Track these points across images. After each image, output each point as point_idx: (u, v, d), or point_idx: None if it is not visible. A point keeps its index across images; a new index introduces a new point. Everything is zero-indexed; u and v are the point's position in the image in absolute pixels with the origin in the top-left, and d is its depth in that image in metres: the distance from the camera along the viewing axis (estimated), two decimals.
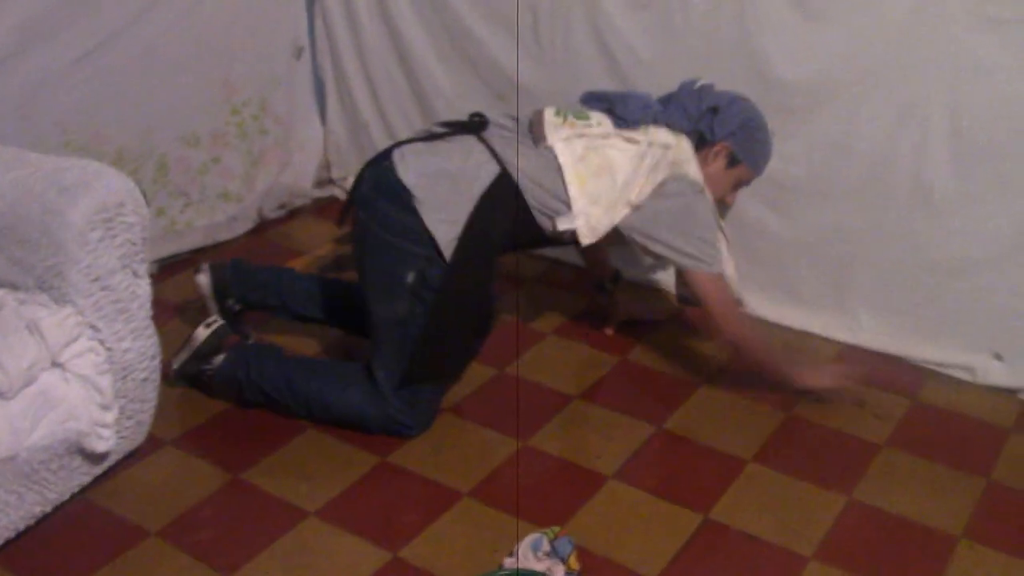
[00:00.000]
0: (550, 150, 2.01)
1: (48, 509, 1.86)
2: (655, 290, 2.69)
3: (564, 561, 1.71)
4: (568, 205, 2.01)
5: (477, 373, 2.27)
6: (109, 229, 1.83)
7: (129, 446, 2.01)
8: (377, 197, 2.02)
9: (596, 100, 2.13)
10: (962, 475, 2.03)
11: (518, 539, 1.77)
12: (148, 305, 1.96)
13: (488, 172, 1.99)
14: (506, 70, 2.70)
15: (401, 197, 1.98)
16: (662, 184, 2.03)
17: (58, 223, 1.78)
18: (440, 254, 1.96)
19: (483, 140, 2.03)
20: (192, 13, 2.68)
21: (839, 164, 2.34)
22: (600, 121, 2.07)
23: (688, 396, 2.25)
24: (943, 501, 1.95)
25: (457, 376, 2.19)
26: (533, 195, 2.02)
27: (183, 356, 2.20)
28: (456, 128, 2.09)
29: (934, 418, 2.22)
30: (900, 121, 2.23)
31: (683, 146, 2.07)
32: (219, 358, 2.17)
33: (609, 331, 2.47)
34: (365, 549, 1.82)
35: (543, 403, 2.24)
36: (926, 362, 2.36)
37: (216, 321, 2.22)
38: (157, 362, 2.00)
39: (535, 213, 2.03)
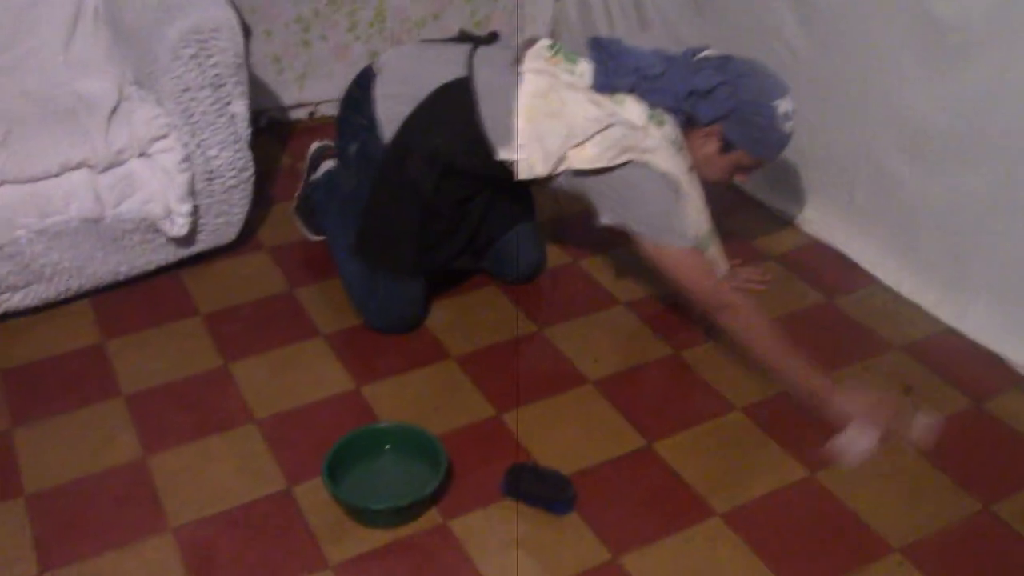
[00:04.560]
0: (520, 76, 1.93)
1: (134, 272, 2.27)
2: None
3: None
4: (513, 135, 1.92)
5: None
6: (203, 49, 2.11)
7: (217, 240, 2.35)
8: (355, 80, 2.11)
9: (597, 49, 1.98)
10: (964, 495, 1.77)
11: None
12: (243, 124, 2.24)
13: (451, 72, 1.96)
14: None
15: (366, 76, 2.05)
16: (623, 166, 1.89)
17: (157, 36, 2.09)
18: (378, 130, 2.00)
19: (471, 51, 2.01)
20: None
21: (987, 119, 2.00)
22: (582, 73, 1.95)
23: None
24: (912, 513, 1.73)
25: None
26: (486, 109, 1.94)
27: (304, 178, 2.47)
28: (466, 39, 2.09)
29: (990, 429, 1.92)
30: None
31: (654, 132, 1.91)
32: (320, 172, 2.39)
33: None
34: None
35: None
36: None
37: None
38: (248, 175, 2.30)
39: (484, 130, 1.95)
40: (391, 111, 1.99)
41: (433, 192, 2.00)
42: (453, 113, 1.96)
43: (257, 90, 2.89)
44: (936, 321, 2.19)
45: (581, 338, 2.14)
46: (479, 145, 1.95)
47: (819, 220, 2.46)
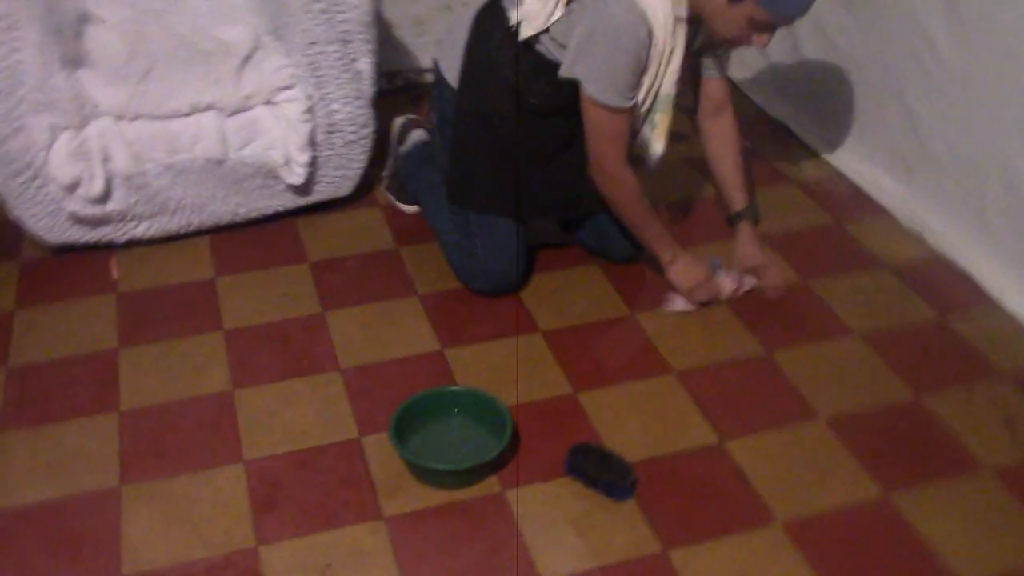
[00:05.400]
0: None
1: (253, 214, 2.36)
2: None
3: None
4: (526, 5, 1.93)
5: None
6: (333, 4, 2.18)
7: (333, 192, 2.42)
8: None
9: None
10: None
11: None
12: (368, 83, 2.30)
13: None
14: None
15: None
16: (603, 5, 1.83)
17: None
18: (448, 83, 2.08)
19: None
20: None
21: None
22: None
23: None
24: (991, 550, 1.64)
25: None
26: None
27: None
28: None
29: None
30: None
31: None
32: (407, 144, 2.43)
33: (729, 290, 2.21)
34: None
35: None
36: None
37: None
38: (368, 131, 2.36)
39: (508, 16, 1.97)
40: (448, 60, 2.08)
41: (510, 118, 2.02)
42: (492, 25, 2.01)
43: (397, 51, 2.95)
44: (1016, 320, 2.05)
45: (673, 327, 2.10)
46: (515, 38, 1.96)
47: (945, 233, 2.33)
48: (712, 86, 2.17)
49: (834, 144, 2.70)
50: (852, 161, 2.63)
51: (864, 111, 2.59)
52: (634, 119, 1.98)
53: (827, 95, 2.71)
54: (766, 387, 1.97)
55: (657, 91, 1.95)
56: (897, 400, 1.93)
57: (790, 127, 2.83)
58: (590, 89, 1.90)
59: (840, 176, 2.63)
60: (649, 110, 1.98)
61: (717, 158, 2.23)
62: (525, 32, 1.94)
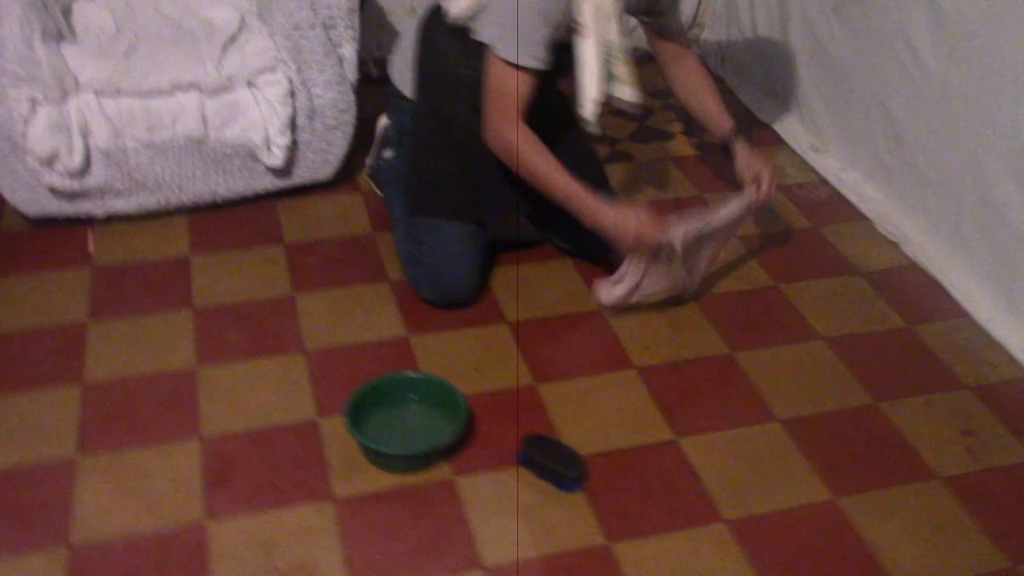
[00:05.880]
0: None
1: (232, 195, 2.38)
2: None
3: None
4: None
5: None
6: None
7: (313, 176, 2.44)
8: None
9: None
10: (997, 552, 1.66)
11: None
12: (350, 69, 2.32)
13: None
14: None
15: None
16: None
17: None
18: (403, 96, 2.13)
19: None
20: None
21: None
22: None
23: None
24: (933, 560, 1.64)
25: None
26: None
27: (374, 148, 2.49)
28: None
29: None
30: None
31: None
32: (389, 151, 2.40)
33: None
34: None
35: None
36: None
37: None
38: (349, 117, 2.37)
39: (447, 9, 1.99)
40: (401, 72, 2.14)
41: (466, 120, 2.02)
42: (436, 26, 2.04)
43: (393, 38, 2.96)
44: (1020, 367, 2.05)
45: (639, 324, 2.11)
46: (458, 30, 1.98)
47: (920, 242, 2.33)
48: (662, 42, 2.23)
49: (818, 148, 2.70)
50: (835, 166, 2.63)
51: (849, 117, 2.58)
52: (599, 87, 1.94)
53: (814, 99, 2.72)
54: (726, 387, 1.97)
55: (608, 44, 1.93)
56: (856, 405, 1.94)
57: (776, 129, 2.83)
58: (496, 46, 1.90)
59: (822, 180, 2.63)
60: (607, 63, 1.95)
61: (692, 95, 2.26)
62: (451, 11, 1.96)
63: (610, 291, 2.06)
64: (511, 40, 1.88)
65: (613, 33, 1.92)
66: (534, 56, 1.90)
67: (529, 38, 1.88)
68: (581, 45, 1.91)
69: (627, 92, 1.97)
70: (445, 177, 2.10)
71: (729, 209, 2.06)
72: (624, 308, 2.09)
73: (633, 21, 2.24)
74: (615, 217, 1.95)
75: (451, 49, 2.01)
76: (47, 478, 1.69)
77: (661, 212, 2.00)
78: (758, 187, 2.12)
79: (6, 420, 1.80)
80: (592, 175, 2.16)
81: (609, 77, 1.96)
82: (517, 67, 1.89)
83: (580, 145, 2.24)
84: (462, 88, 2.00)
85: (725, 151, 2.23)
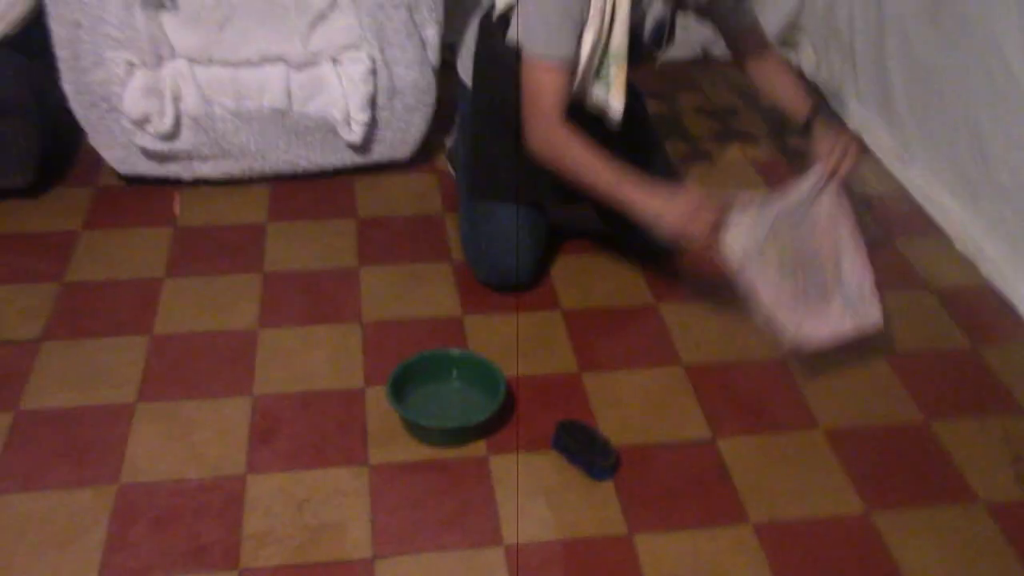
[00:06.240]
0: None
1: (312, 168, 2.47)
2: None
3: None
4: None
5: None
6: None
7: (392, 155, 2.50)
8: None
9: None
10: None
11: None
12: (432, 52, 2.37)
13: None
14: None
15: None
16: None
17: None
18: (464, 83, 2.15)
19: None
20: None
21: None
22: None
23: None
24: None
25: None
26: None
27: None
28: None
29: None
30: None
31: None
32: None
33: None
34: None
35: None
36: None
37: None
38: (429, 99, 2.43)
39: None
40: (463, 61, 2.16)
41: (518, 99, 1.99)
42: (492, 19, 2.05)
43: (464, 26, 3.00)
44: None
45: (694, 321, 2.11)
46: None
47: (998, 262, 2.26)
48: (738, 39, 2.21)
49: (903, 159, 2.64)
50: (918, 178, 2.56)
51: (936, 129, 2.51)
52: (580, 82, 1.95)
53: (903, 109, 2.65)
54: (771, 391, 1.96)
55: (606, 47, 1.93)
56: (904, 421, 1.90)
57: (864, 137, 2.77)
58: (524, 43, 1.92)
59: (903, 191, 2.57)
60: (600, 66, 1.95)
61: (773, 87, 2.21)
62: (499, 6, 2.00)
63: (733, 238, 1.86)
64: (537, 35, 1.90)
65: (618, 40, 1.93)
66: (560, 48, 1.90)
67: (555, 32, 1.89)
68: (583, 36, 1.93)
69: (610, 98, 1.98)
70: (502, 159, 2.12)
71: (799, 188, 1.96)
72: (768, 330, 1.91)
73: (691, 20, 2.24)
74: (661, 206, 1.84)
75: (504, 40, 2.03)
76: (106, 420, 1.80)
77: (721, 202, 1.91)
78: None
79: (78, 362, 1.92)
80: (656, 170, 2.17)
81: (596, 76, 1.97)
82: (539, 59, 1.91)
83: (644, 139, 2.26)
84: (513, 77, 2.02)
85: (805, 132, 2.17)
